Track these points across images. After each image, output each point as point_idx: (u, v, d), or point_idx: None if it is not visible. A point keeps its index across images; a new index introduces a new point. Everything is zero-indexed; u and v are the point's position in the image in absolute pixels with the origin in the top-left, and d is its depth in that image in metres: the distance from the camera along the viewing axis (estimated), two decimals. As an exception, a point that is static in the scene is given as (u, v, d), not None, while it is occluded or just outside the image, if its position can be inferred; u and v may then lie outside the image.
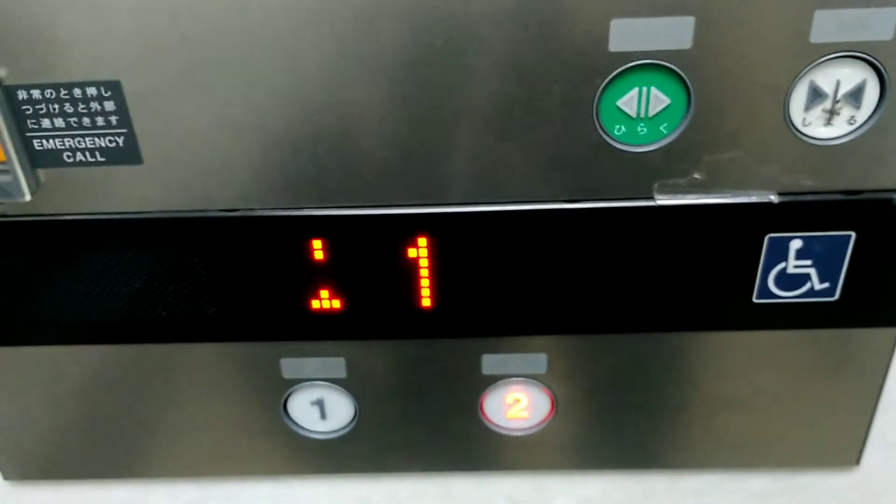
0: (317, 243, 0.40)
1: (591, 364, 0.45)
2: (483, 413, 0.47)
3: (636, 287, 0.41)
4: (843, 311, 0.42)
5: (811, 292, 0.41)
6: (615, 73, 0.35)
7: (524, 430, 0.47)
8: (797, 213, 0.39)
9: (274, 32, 0.35)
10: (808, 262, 0.40)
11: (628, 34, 0.34)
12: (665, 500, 0.51)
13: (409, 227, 0.40)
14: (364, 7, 0.34)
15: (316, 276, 0.41)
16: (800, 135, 0.37)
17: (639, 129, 0.37)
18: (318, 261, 0.41)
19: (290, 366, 0.45)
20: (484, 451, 0.49)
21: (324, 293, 0.42)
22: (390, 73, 0.35)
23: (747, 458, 0.48)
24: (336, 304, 0.42)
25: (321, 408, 0.47)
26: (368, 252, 0.41)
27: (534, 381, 0.45)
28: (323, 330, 0.43)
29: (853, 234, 0.39)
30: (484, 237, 0.40)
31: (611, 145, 0.37)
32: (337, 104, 0.36)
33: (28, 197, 0.38)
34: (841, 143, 0.37)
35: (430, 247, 0.40)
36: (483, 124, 0.37)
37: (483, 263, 0.41)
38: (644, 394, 0.46)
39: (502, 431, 0.47)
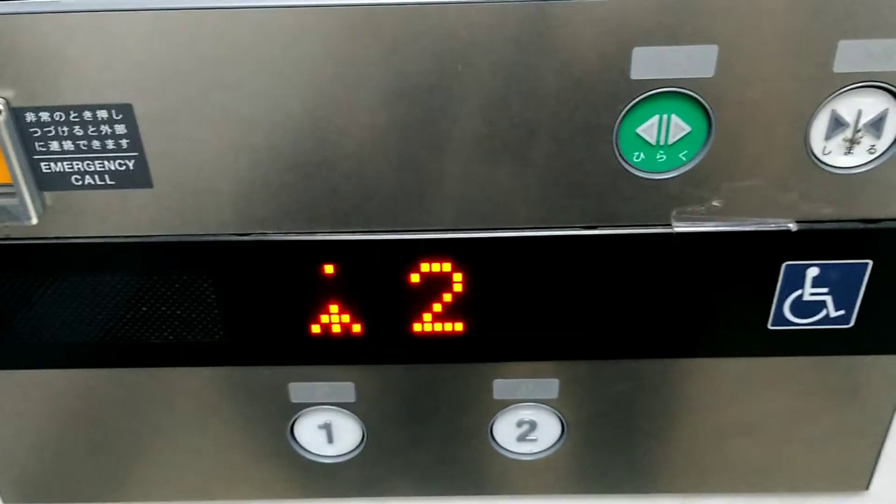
0: (329, 268, 0.40)
1: (603, 389, 0.44)
2: (493, 438, 0.46)
3: (653, 313, 0.41)
4: (858, 338, 0.42)
5: (826, 319, 0.41)
6: (636, 100, 0.35)
7: (534, 454, 0.47)
8: (815, 241, 0.39)
9: (290, 55, 0.34)
10: (825, 290, 0.40)
11: (650, 62, 0.34)
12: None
13: (425, 252, 0.39)
14: (384, 32, 0.33)
15: (328, 301, 0.41)
16: (820, 163, 0.37)
17: (658, 156, 0.36)
18: (331, 285, 0.40)
19: (298, 390, 0.44)
20: (493, 476, 0.48)
21: (335, 317, 0.41)
22: (408, 97, 0.35)
23: (758, 483, 0.48)
24: (347, 328, 0.42)
25: (329, 432, 0.46)
26: (381, 276, 0.40)
27: (545, 406, 0.45)
28: (333, 354, 0.43)
29: (870, 262, 0.39)
30: (502, 262, 0.39)
31: (630, 172, 0.37)
32: (353, 128, 0.36)
33: (35, 220, 0.37)
34: (860, 172, 0.37)
35: (444, 272, 0.40)
36: (501, 149, 0.36)
37: (499, 289, 0.40)
38: (656, 419, 0.45)
39: (512, 456, 0.47)
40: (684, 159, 0.36)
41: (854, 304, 0.40)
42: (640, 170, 0.37)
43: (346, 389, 0.44)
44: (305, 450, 0.47)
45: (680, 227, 0.38)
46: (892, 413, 0.45)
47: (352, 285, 0.40)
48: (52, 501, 0.50)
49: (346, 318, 0.41)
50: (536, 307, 0.41)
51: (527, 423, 0.46)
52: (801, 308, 0.41)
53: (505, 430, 0.46)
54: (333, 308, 0.41)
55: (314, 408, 0.45)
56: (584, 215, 0.38)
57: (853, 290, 0.40)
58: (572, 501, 0.50)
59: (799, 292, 0.40)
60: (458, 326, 0.41)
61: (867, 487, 0.48)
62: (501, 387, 0.44)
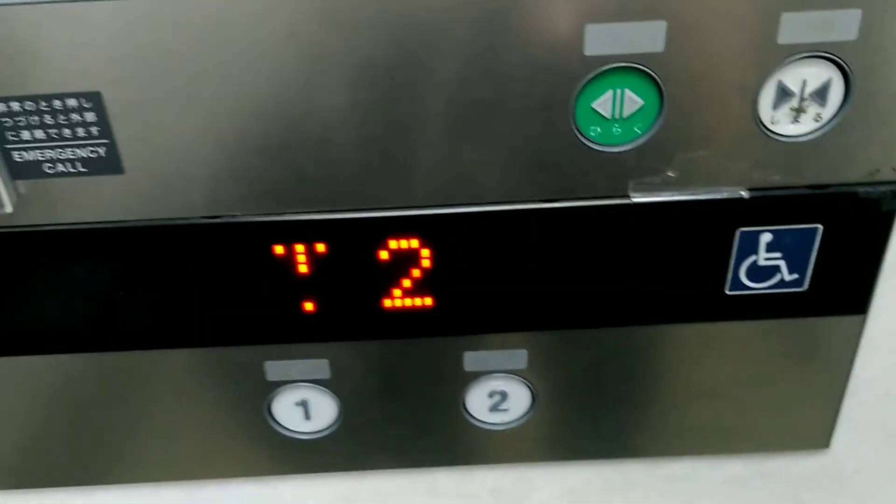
0: (299, 247, 0.41)
1: (570, 358, 0.46)
2: (466, 409, 0.48)
3: (614, 283, 0.42)
4: (812, 300, 0.43)
5: (781, 283, 0.43)
6: (590, 76, 0.36)
7: (506, 424, 0.48)
8: (767, 207, 0.40)
9: (254, 40, 0.35)
10: (778, 255, 0.42)
11: (603, 38, 0.35)
12: (644, 487, 0.53)
13: (391, 230, 0.40)
14: (344, 14, 0.34)
15: (299, 279, 0.42)
16: (768, 132, 0.38)
17: (614, 129, 0.38)
18: (301, 264, 0.41)
19: (274, 368, 0.45)
20: (467, 446, 0.50)
21: (307, 296, 0.42)
22: (370, 79, 0.36)
23: (722, 444, 0.50)
24: (320, 306, 0.43)
25: (305, 408, 0.47)
26: (350, 254, 0.41)
27: (515, 376, 0.46)
28: (307, 332, 0.44)
29: (821, 226, 0.41)
30: (464, 238, 0.41)
31: (587, 146, 0.38)
32: (318, 110, 0.37)
33: (9, 209, 0.38)
34: (808, 140, 0.38)
35: (411, 248, 0.41)
36: (462, 128, 0.37)
37: (466, 263, 0.41)
38: (622, 385, 0.47)
39: (485, 426, 0.48)
40: (639, 132, 0.38)
41: (807, 267, 0.42)
42: (597, 143, 0.38)
43: (321, 366, 0.45)
44: (283, 427, 0.48)
45: (637, 198, 0.39)
46: (848, 372, 0.47)
47: (322, 264, 0.41)
48: (33, 486, 0.51)
49: (317, 296, 0.42)
50: (502, 280, 0.42)
51: (498, 394, 0.47)
52: (757, 273, 0.42)
53: (477, 402, 0.47)
54: (305, 286, 0.42)
55: (290, 385, 0.46)
56: (545, 189, 0.39)
57: (805, 254, 0.42)
58: (545, 468, 0.52)
59: (754, 258, 0.42)
60: (428, 301, 0.43)
61: (828, 445, 0.50)
62: (472, 359, 0.45)
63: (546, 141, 0.38)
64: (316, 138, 0.37)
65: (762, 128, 0.38)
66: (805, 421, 0.49)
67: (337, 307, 0.43)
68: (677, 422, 0.49)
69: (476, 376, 0.46)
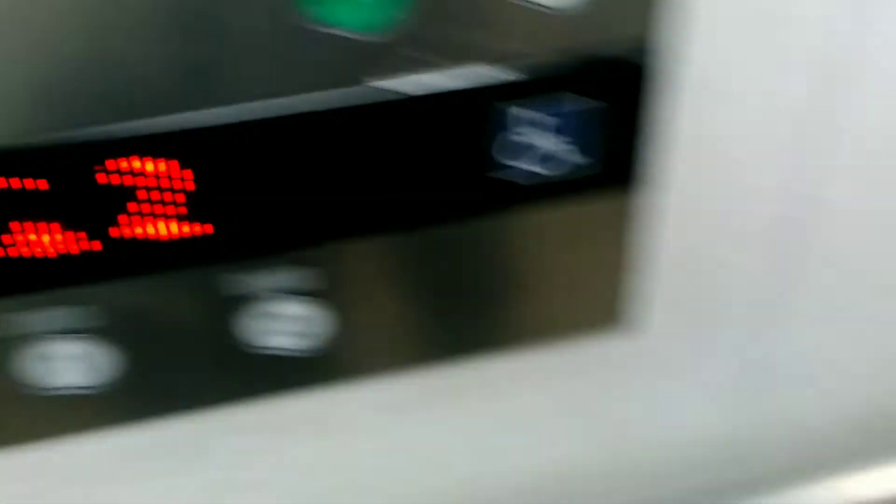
0: (32, 177, 0.35)
1: (360, 269, 0.43)
2: (253, 338, 0.44)
3: (381, 184, 0.39)
4: (594, 178, 0.41)
5: (564, 165, 0.40)
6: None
7: (305, 345, 0.45)
8: (538, 86, 0.37)
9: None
10: (558, 135, 0.39)
11: None
12: (464, 389, 0.52)
13: (124, 149, 0.35)
14: None
15: (37, 214, 0.36)
16: (531, 4, 0.35)
17: (358, 12, 0.34)
18: (36, 197, 0.36)
19: (23, 321, 0.40)
20: (269, 378, 0.46)
21: (47, 229, 0.37)
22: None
23: (530, 334, 0.48)
24: (68, 244, 0.37)
25: (77, 361, 0.42)
26: (78, 183, 0.36)
27: (301, 296, 0.43)
28: (56, 275, 0.38)
29: (598, 101, 0.38)
30: (212, 150, 0.36)
31: (329, 33, 0.34)
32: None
33: None
34: (575, 9, 0.35)
35: (157, 170, 0.36)
36: (185, 27, 0.33)
37: (218, 179, 0.37)
38: (422, 290, 0.44)
39: (281, 353, 0.45)
40: (388, 14, 0.34)
41: (588, 146, 0.40)
42: (340, 29, 0.34)
43: (85, 313, 0.40)
44: (51, 386, 0.43)
45: (392, 86, 0.36)
46: (642, 249, 0.46)
47: (56, 194, 0.36)
48: None
49: (61, 230, 0.37)
50: (262, 193, 0.38)
51: (291, 318, 0.43)
52: (530, 154, 0.39)
53: (264, 328, 0.44)
54: (45, 222, 0.37)
55: (51, 338, 0.41)
56: (284, 84, 0.35)
57: (585, 131, 0.39)
58: (358, 387, 0.48)
59: (524, 138, 0.39)
60: (186, 228, 0.38)
61: (622, 322, 0.49)
62: (246, 284, 0.41)
63: (279, 29, 0.33)
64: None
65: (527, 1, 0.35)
66: (606, 302, 0.47)
67: (90, 242, 0.38)
68: (482, 319, 0.47)
69: (258, 302, 0.42)
